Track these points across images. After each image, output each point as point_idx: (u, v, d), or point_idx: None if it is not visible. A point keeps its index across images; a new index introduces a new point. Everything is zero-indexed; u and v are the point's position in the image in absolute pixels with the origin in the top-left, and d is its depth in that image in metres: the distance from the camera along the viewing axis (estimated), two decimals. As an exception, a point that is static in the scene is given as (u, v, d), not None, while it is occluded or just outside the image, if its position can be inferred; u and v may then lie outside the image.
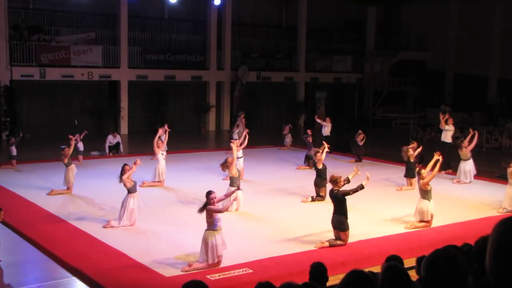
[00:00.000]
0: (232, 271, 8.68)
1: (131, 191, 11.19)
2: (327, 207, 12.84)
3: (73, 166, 14.03)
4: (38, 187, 14.40)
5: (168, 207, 12.73)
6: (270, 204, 13.25)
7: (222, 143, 25.03)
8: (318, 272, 5.78)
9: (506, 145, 23.70)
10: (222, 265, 8.91)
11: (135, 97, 26.65)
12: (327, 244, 9.94)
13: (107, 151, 19.48)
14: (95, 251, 9.66)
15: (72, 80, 24.82)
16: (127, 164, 11.42)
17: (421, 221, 11.38)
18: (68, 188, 13.83)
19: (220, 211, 8.97)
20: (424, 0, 32.00)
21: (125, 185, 11.18)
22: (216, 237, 8.80)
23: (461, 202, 13.58)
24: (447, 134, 17.43)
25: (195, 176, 16.20)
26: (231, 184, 12.37)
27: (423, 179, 11.36)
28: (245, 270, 8.74)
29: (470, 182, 15.79)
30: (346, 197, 10.04)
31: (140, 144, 22.04)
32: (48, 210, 12.22)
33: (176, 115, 28.16)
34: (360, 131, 18.94)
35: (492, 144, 24.09)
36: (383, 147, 21.14)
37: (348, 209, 10.10)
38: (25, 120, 24.21)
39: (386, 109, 33.20)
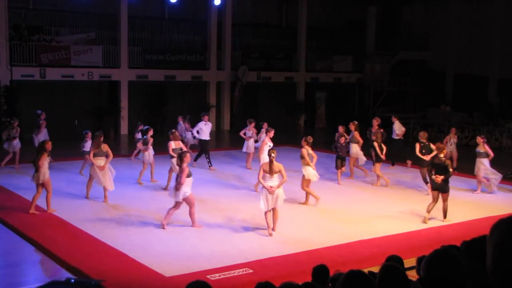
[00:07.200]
0: (232, 271, 8.68)
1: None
2: (327, 207, 12.86)
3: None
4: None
5: (168, 207, 12.69)
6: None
7: (222, 143, 25.04)
8: (321, 275, 5.78)
9: (507, 145, 23.69)
10: (222, 265, 8.92)
11: (135, 97, 26.64)
12: (427, 216, 11.49)
13: (195, 135, 18.36)
14: (95, 251, 9.67)
15: (72, 80, 24.79)
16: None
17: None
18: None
19: (180, 181, 10.38)
20: (424, 0, 31.98)
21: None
22: None
23: (461, 202, 13.58)
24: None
25: (195, 177, 16.13)
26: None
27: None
28: (245, 270, 8.74)
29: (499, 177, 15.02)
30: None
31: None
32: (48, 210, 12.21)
33: (176, 115, 28.10)
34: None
35: (492, 144, 24.01)
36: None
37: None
38: (25, 120, 24.18)
39: (386, 109, 33.16)
